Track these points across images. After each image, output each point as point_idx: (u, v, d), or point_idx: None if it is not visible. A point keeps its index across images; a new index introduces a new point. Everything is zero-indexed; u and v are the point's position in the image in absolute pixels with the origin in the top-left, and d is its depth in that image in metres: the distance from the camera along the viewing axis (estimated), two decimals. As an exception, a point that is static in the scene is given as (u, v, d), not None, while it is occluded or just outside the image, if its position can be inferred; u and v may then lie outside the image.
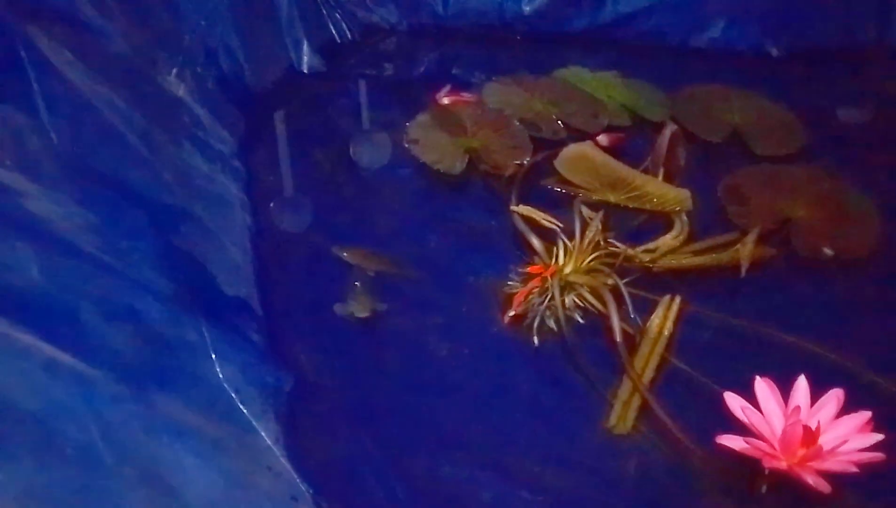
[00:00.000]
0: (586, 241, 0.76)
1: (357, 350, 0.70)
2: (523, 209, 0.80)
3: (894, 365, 0.65)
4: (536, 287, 0.72)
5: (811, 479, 0.54)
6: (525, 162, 0.88)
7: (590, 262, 0.74)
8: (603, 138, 0.91)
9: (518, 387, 0.67)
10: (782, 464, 0.55)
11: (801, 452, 0.54)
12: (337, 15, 1.08)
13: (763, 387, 0.58)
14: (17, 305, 0.47)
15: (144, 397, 0.49)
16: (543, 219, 0.79)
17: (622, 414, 0.64)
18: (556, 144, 0.89)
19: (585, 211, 0.80)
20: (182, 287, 0.60)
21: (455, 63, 1.09)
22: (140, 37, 0.79)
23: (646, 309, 0.71)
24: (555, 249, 0.75)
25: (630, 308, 0.70)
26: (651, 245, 0.77)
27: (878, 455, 0.54)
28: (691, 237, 0.79)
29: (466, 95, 0.98)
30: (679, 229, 0.79)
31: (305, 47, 1.03)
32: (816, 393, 0.58)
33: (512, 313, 0.71)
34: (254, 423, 0.55)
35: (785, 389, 0.58)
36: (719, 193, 0.84)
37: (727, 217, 0.82)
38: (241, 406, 0.55)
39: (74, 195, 0.58)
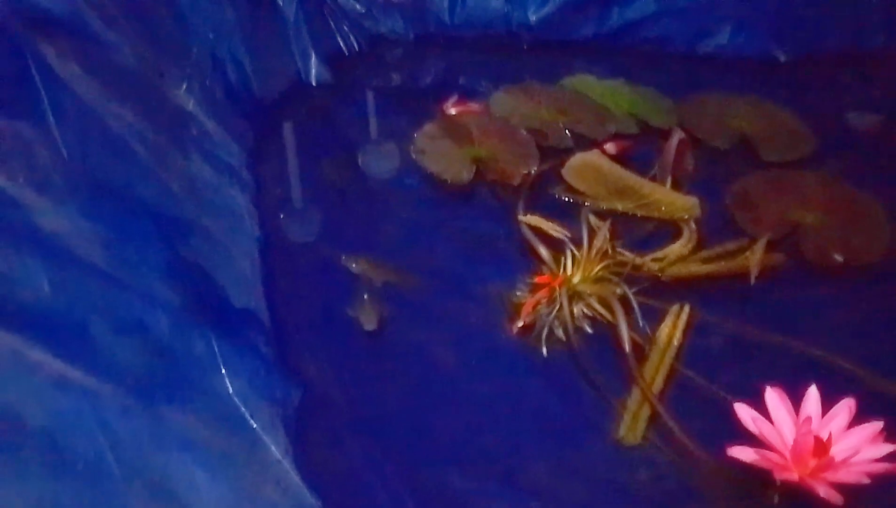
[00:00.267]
0: (594, 250, 0.76)
1: (365, 361, 0.70)
2: (531, 219, 0.80)
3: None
4: (545, 297, 0.72)
5: (823, 490, 0.53)
6: (532, 171, 0.88)
7: (598, 271, 0.74)
8: (610, 146, 0.91)
9: (527, 397, 0.67)
10: (794, 475, 0.55)
11: (813, 463, 0.54)
12: (344, 26, 1.08)
13: (773, 397, 0.57)
14: (27, 320, 0.47)
15: (153, 410, 0.50)
16: (551, 228, 0.79)
17: (632, 425, 0.63)
18: (564, 153, 0.89)
19: (593, 220, 0.80)
20: (190, 299, 0.60)
21: (462, 72, 1.10)
22: (148, 50, 0.79)
23: (655, 318, 0.71)
24: (563, 258, 0.75)
25: (639, 317, 0.70)
26: (660, 253, 0.77)
27: (890, 466, 0.53)
28: (700, 245, 0.78)
29: (473, 105, 0.99)
30: (688, 237, 0.79)
31: (313, 58, 1.04)
32: (828, 402, 0.57)
33: (520, 323, 0.71)
34: (262, 436, 0.55)
35: (795, 398, 0.58)
36: (728, 200, 0.84)
37: (736, 224, 0.81)
38: (249, 419, 0.56)
39: (83, 209, 0.58)
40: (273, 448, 0.55)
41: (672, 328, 0.70)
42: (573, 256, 0.75)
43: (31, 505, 0.40)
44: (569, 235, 0.77)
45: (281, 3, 1.01)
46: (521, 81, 1.02)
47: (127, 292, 0.56)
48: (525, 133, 0.93)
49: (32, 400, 0.43)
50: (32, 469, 0.41)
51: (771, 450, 0.55)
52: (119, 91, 0.71)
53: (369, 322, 0.71)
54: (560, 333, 0.70)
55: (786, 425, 0.57)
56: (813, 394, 0.57)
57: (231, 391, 0.56)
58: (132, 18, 0.78)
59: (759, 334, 0.70)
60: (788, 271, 0.77)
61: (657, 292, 0.73)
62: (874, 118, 0.99)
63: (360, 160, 0.92)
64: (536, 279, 0.74)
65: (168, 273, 0.61)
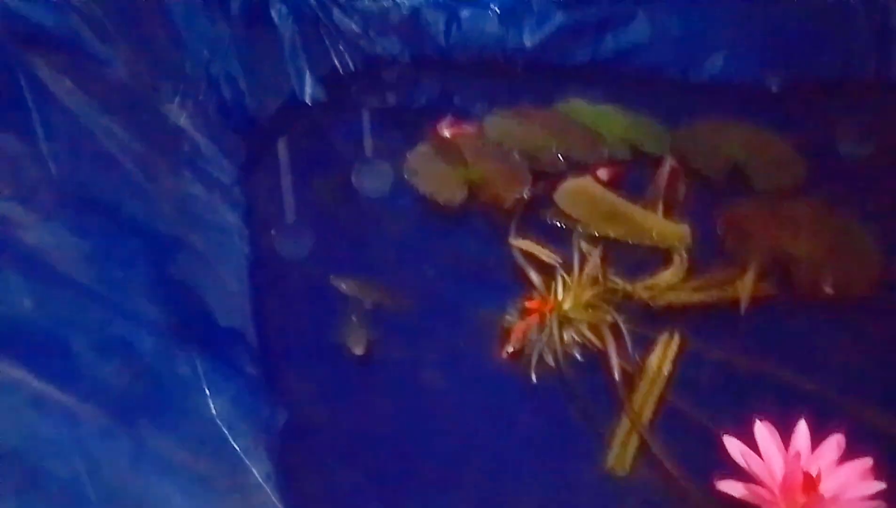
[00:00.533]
0: (585, 276, 0.76)
1: (352, 384, 0.69)
2: (522, 243, 0.80)
3: (896, 406, 0.65)
4: (535, 322, 0.72)
5: (812, 526, 0.53)
6: (525, 194, 0.88)
7: (589, 297, 0.74)
8: (602, 172, 0.91)
9: (515, 425, 0.67)
10: (783, 510, 0.54)
11: (802, 499, 0.53)
12: (340, 45, 1.08)
13: (763, 431, 0.57)
14: (7, 337, 0.46)
15: (134, 432, 0.49)
16: (542, 253, 0.78)
17: (620, 455, 0.63)
18: (556, 177, 0.89)
19: (584, 245, 0.79)
20: (176, 318, 0.60)
21: (456, 94, 1.10)
22: (142, 65, 0.79)
23: (645, 346, 0.70)
24: (554, 283, 0.75)
25: (629, 345, 0.70)
26: (650, 281, 0.76)
27: (880, 504, 0.53)
28: (691, 273, 0.78)
29: (467, 127, 0.98)
30: (678, 265, 0.79)
31: (308, 77, 1.04)
32: (817, 435, 0.57)
33: (510, 348, 0.70)
34: (245, 459, 0.54)
35: (785, 430, 0.57)
36: (719, 227, 0.84)
37: (727, 252, 0.81)
38: (232, 442, 0.55)
39: (70, 225, 0.57)
40: (255, 471, 0.54)
41: (662, 356, 0.69)
42: (564, 281, 0.75)
43: (2, 530, 0.39)
44: (560, 260, 0.77)
45: (277, 21, 1.02)
46: (515, 104, 1.03)
47: (111, 311, 0.55)
48: (518, 156, 0.93)
49: (8, 420, 0.43)
50: (5, 492, 0.40)
51: (760, 485, 0.55)
52: (111, 106, 0.71)
53: (357, 345, 0.70)
54: (550, 359, 0.70)
55: (775, 459, 0.56)
56: (802, 429, 0.57)
57: (214, 412, 0.55)
58: (126, 34, 0.78)
59: (750, 363, 0.69)
60: (779, 301, 0.77)
61: (647, 320, 0.73)
62: (866, 147, 0.99)
63: (352, 180, 0.92)
64: (527, 304, 0.73)
65: (154, 291, 0.60)
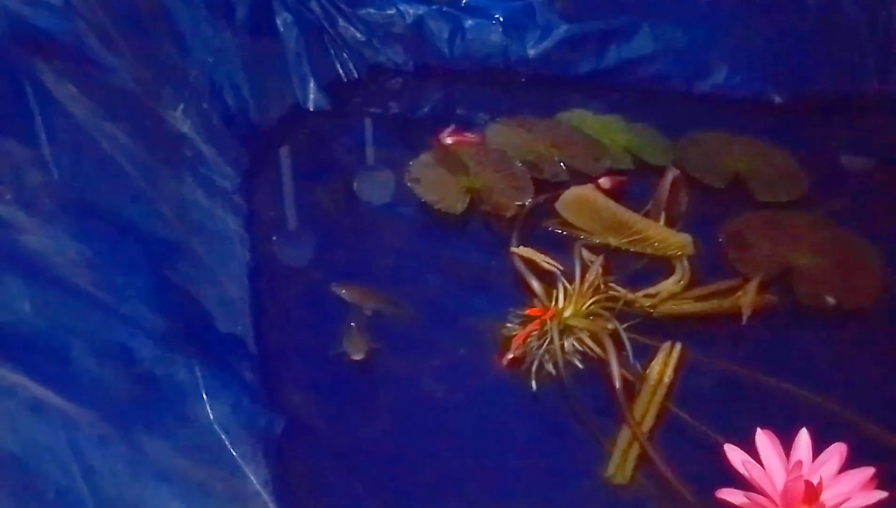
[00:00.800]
0: (586, 284, 0.75)
1: (351, 391, 0.69)
2: (523, 251, 0.80)
3: (898, 417, 0.64)
4: (535, 330, 0.71)
5: (813, 537, 0.52)
6: (526, 203, 0.88)
7: (590, 306, 0.74)
8: (605, 181, 0.91)
9: (515, 433, 0.66)
10: (784, 521, 0.54)
11: (804, 509, 0.53)
12: (344, 54, 1.09)
13: (764, 440, 0.56)
14: (6, 341, 0.46)
15: (131, 438, 0.48)
16: (544, 261, 0.78)
17: (621, 464, 0.62)
18: (558, 187, 0.89)
19: (586, 254, 0.79)
20: (176, 324, 0.60)
21: (459, 104, 1.10)
22: (146, 72, 0.80)
23: (646, 355, 0.70)
24: (554, 292, 0.75)
25: (630, 354, 0.70)
26: (652, 290, 0.76)
27: (882, 514, 0.52)
28: (692, 283, 0.78)
29: (469, 136, 0.99)
30: (680, 275, 0.78)
31: (311, 85, 1.04)
32: (819, 445, 0.56)
33: (510, 356, 0.70)
34: (242, 466, 0.54)
35: (786, 440, 0.57)
36: (721, 239, 0.84)
37: (729, 263, 0.81)
38: (230, 448, 0.54)
39: (71, 230, 0.57)
40: (252, 478, 0.54)
41: (663, 365, 0.69)
42: (565, 290, 0.75)
43: (-3, 534, 0.39)
44: (561, 268, 0.77)
45: (282, 30, 1.02)
46: (517, 114, 1.03)
47: (111, 316, 0.55)
48: (520, 166, 0.93)
49: (5, 424, 0.42)
50: (1, 496, 0.40)
51: (761, 494, 0.54)
52: (114, 112, 0.71)
53: (357, 352, 0.70)
54: (550, 367, 0.70)
55: (776, 469, 0.55)
56: (804, 438, 0.56)
57: (212, 418, 0.55)
58: (131, 40, 0.78)
59: (751, 374, 0.69)
60: (781, 312, 0.76)
61: (648, 329, 0.73)
62: (867, 161, 0.99)
63: (354, 187, 0.92)
64: (528, 312, 0.73)
65: (154, 297, 0.60)
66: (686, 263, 0.80)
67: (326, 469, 0.62)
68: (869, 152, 1.00)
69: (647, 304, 0.75)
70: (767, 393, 0.68)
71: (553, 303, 0.74)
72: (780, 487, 0.54)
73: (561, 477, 0.63)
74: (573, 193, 0.87)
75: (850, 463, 0.55)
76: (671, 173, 0.86)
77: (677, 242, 0.82)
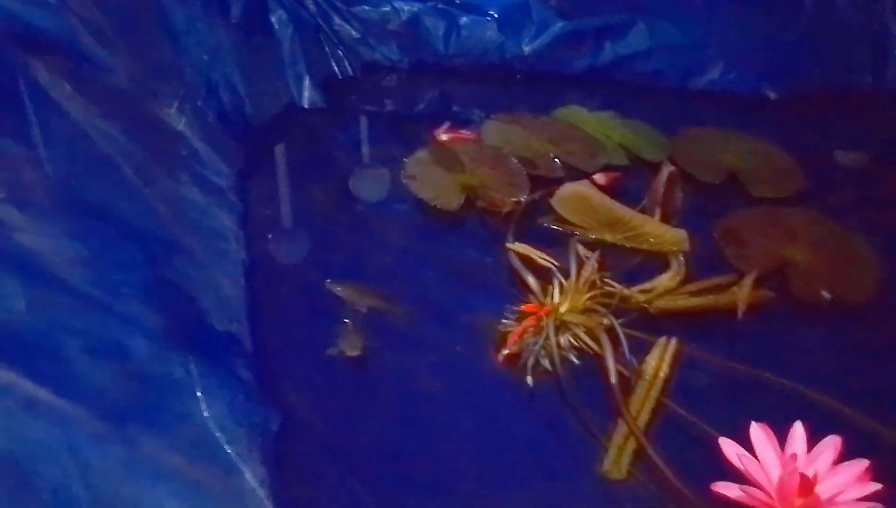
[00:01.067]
0: (582, 280, 0.75)
1: (347, 389, 0.69)
2: (519, 247, 0.80)
3: (893, 412, 0.64)
4: (531, 326, 0.71)
5: (808, 530, 0.52)
6: (522, 200, 0.88)
7: (586, 301, 0.74)
8: (600, 178, 0.91)
9: (511, 429, 0.66)
10: (779, 514, 0.54)
11: (799, 501, 0.53)
12: (339, 52, 1.09)
13: (759, 433, 0.56)
14: (0, 340, 0.46)
15: (126, 436, 0.48)
16: (539, 257, 0.78)
17: (616, 459, 0.62)
18: (554, 183, 0.90)
19: (582, 250, 0.79)
20: (171, 322, 0.59)
21: (455, 101, 1.10)
22: (141, 70, 0.79)
23: (642, 350, 0.70)
24: (550, 288, 0.75)
25: (626, 349, 0.70)
26: (647, 286, 0.76)
27: (876, 506, 0.53)
28: (688, 279, 0.78)
29: (465, 133, 0.99)
30: (676, 270, 0.79)
31: (307, 83, 1.04)
32: (814, 440, 0.57)
33: (506, 352, 0.70)
34: (238, 464, 0.54)
35: (781, 435, 0.57)
36: (716, 234, 0.84)
37: (724, 259, 0.81)
38: (225, 447, 0.54)
39: (66, 228, 0.57)
40: (248, 476, 0.54)
41: (659, 360, 0.69)
42: (561, 286, 0.75)
43: (-8, 533, 0.39)
44: (557, 264, 0.77)
45: (276, 27, 1.02)
46: (513, 110, 1.03)
47: (106, 314, 0.55)
48: (516, 162, 0.93)
49: (0, 423, 0.42)
50: (-4, 495, 0.40)
51: (756, 487, 0.55)
52: (109, 110, 0.71)
53: (353, 349, 0.70)
54: (546, 363, 0.70)
55: (771, 462, 0.56)
56: (798, 431, 0.57)
57: (208, 416, 0.55)
58: (126, 38, 0.78)
59: (746, 369, 0.69)
60: (776, 308, 0.77)
61: (644, 325, 0.73)
62: (862, 157, 0.99)
63: (350, 185, 0.92)
64: (523, 308, 0.73)
65: (149, 295, 0.60)
66: (682, 258, 0.80)
67: (322, 466, 0.62)
68: (864, 148, 1.00)
69: (643, 300, 0.75)
70: (763, 388, 0.68)
71: (549, 299, 0.74)
72: (776, 480, 0.54)
73: (557, 472, 0.63)
74: (569, 189, 0.88)
75: (844, 456, 0.56)
76: (667, 170, 0.86)
77: (673, 237, 0.82)
